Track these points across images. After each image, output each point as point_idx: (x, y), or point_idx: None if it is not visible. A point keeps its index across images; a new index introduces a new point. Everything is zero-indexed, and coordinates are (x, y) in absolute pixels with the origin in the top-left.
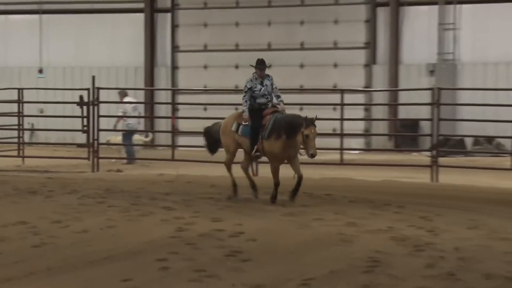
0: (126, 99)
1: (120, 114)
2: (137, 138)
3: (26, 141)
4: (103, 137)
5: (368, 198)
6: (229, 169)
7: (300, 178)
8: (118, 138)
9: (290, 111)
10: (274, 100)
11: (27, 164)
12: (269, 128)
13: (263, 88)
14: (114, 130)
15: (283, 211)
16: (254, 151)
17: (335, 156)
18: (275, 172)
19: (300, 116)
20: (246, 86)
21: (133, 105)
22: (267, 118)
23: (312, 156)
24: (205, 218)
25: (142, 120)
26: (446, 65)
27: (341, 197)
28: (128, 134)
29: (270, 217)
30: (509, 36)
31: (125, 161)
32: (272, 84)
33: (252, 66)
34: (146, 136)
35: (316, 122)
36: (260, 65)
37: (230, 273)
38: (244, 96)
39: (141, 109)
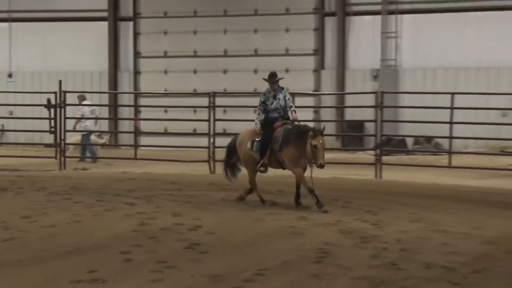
0: (84, 102)
1: (78, 116)
2: (92, 138)
3: None
4: (70, 137)
5: (318, 193)
6: (254, 186)
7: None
8: (73, 138)
9: (245, 113)
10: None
11: None
12: (280, 140)
13: (275, 102)
14: (78, 131)
15: (239, 206)
16: (259, 165)
17: None
18: (301, 177)
19: (308, 127)
20: (260, 99)
21: (91, 108)
22: (277, 131)
23: (321, 166)
24: (166, 213)
25: (98, 121)
26: (389, 70)
27: (293, 193)
28: (87, 134)
29: (227, 212)
30: (446, 44)
31: (89, 159)
32: (285, 97)
33: (264, 79)
34: (101, 137)
35: None
36: (270, 78)
37: (189, 264)
38: (258, 109)
39: (98, 111)
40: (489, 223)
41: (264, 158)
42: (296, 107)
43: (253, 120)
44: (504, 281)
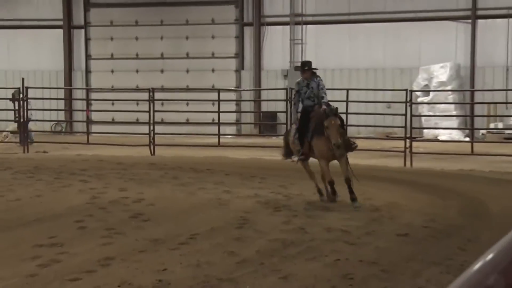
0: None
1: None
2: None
3: None
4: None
5: (239, 171)
6: (304, 166)
7: (346, 180)
8: (10, 126)
9: (178, 106)
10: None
11: None
12: (311, 130)
13: (308, 91)
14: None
15: (175, 182)
16: (300, 154)
17: (214, 140)
18: (324, 170)
19: (324, 111)
20: (294, 89)
21: None
22: (313, 120)
23: (335, 146)
24: (114, 189)
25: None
26: (296, 70)
27: (219, 171)
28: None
29: (165, 187)
30: (342, 49)
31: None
32: (318, 86)
33: (297, 69)
34: (60, 125)
35: (200, 114)
36: (302, 67)
37: (134, 231)
38: (293, 99)
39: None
40: (377, 194)
41: (304, 147)
42: (221, 100)
43: (186, 112)
44: (389, 240)
